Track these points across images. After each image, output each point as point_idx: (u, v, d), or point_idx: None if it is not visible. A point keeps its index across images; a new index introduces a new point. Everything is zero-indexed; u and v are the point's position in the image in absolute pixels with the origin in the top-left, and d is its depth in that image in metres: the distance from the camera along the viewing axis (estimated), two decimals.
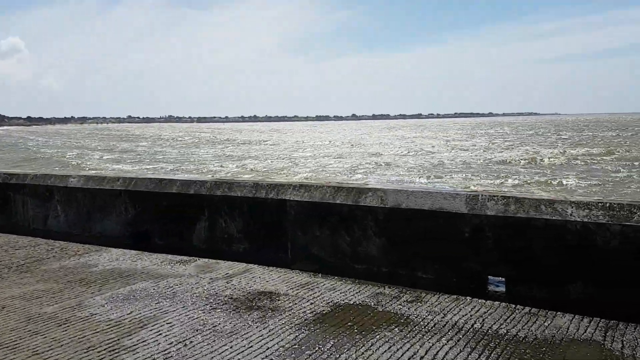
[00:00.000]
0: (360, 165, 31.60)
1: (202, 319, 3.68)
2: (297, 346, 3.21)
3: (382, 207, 4.51)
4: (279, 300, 4.05)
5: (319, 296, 4.12)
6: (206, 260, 5.29)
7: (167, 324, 3.62)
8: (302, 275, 4.66)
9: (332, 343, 3.25)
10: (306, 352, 3.13)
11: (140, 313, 3.82)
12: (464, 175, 25.42)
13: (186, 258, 5.39)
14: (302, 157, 38.38)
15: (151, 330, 3.51)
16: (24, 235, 6.53)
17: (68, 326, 3.59)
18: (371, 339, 3.30)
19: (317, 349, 3.17)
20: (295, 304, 3.95)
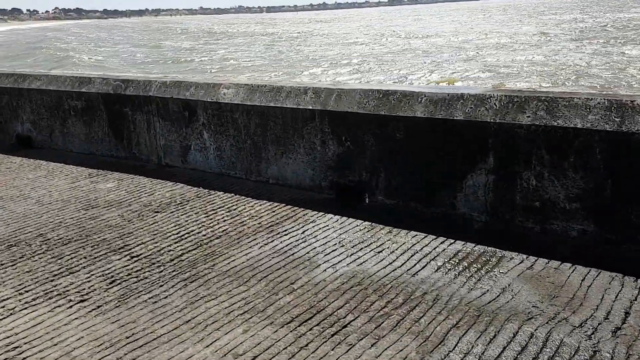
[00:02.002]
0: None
1: None
2: None
3: None
4: None
5: None
6: (514, 256, 2.73)
7: None
8: None
9: None
10: None
11: None
12: None
13: (469, 247, 2.84)
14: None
15: None
16: (155, 179, 4.20)
17: None
18: None
19: None
20: None
